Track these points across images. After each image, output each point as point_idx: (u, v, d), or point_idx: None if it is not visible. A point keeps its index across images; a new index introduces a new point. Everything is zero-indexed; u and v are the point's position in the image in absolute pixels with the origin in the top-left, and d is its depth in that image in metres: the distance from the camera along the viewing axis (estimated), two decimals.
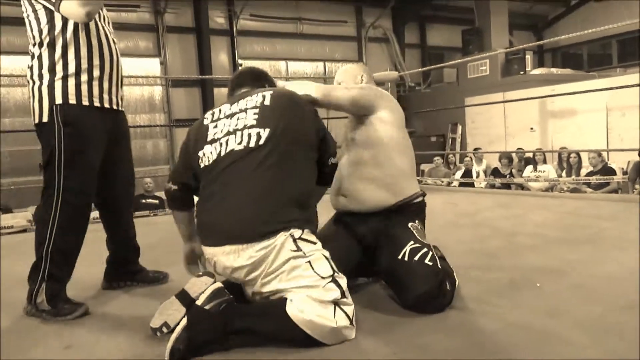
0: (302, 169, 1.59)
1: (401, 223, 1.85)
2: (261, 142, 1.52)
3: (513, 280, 1.96)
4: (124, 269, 2.20)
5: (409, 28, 12.48)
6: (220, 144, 1.58)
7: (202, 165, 1.61)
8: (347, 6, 11.50)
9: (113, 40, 2.01)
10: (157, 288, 2.14)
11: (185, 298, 1.54)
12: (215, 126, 1.63)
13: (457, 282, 1.83)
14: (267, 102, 1.61)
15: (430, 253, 1.72)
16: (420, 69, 10.29)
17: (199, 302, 1.46)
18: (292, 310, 1.39)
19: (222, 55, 10.00)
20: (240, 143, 1.54)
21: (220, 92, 10.05)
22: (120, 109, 2.08)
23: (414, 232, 1.81)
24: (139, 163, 8.86)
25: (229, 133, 1.58)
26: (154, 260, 2.36)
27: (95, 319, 1.81)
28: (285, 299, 1.42)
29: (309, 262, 1.44)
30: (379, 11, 11.66)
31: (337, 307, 1.41)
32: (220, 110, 1.69)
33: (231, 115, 1.63)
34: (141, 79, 9.18)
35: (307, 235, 1.50)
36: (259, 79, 1.83)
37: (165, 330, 1.51)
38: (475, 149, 8.81)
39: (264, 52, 10.38)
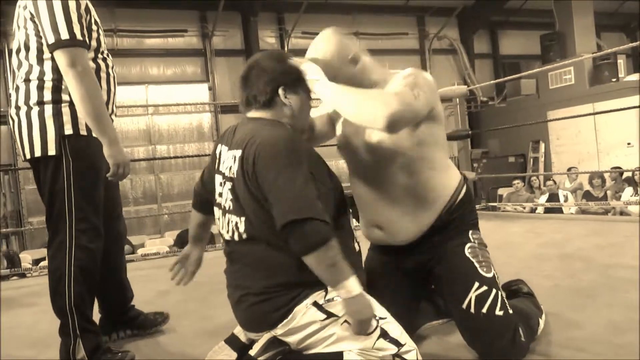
0: None
1: (456, 243, 1.66)
2: (244, 236, 1.49)
3: (612, 322, 1.85)
4: (122, 317, 2.16)
5: (479, 36, 12.34)
6: (221, 220, 1.56)
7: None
8: (407, 17, 11.57)
9: (112, 65, 2.00)
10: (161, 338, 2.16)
11: (235, 343, 1.57)
12: (221, 183, 1.55)
13: (540, 327, 1.75)
14: (234, 175, 1.48)
15: (500, 298, 1.60)
16: (493, 81, 10.10)
17: (252, 353, 1.48)
18: None
19: None
20: (228, 232, 1.53)
21: None
22: None
23: (474, 261, 1.64)
24: (187, 195, 9.21)
25: (223, 210, 1.54)
26: (202, 299, 2.41)
27: None
28: (342, 352, 1.41)
29: (346, 320, 1.41)
30: (443, 20, 11.64)
31: (395, 358, 1.37)
32: (221, 153, 1.58)
33: (223, 180, 1.53)
34: (189, 107, 9.56)
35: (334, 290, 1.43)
36: (253, 98, 1.54)
37: None
38: (569, 169, 8.48)
39: None
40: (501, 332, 1.57)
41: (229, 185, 1.50)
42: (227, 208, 1.51)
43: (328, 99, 1.55)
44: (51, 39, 1.72)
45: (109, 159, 1.78)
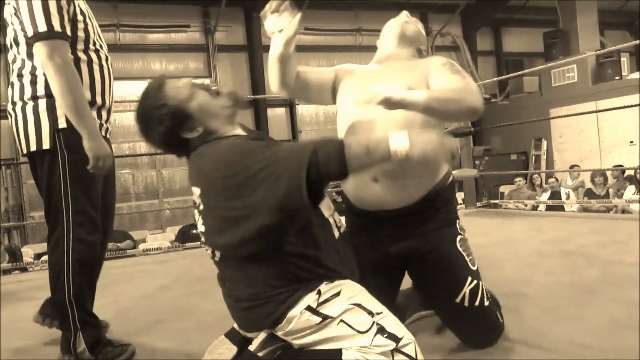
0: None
1: (449, 236, 1.70)
2: (221, 257, 1.49)
3: (614, 319, 1.85)
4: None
5: (482, 33, 12.32)
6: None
7: None
8: (411, 14, 11.50)
9: (107, 57, 1.95)
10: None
11: (235, 337, 1.56)
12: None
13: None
14: (201, 207, 1.50)
15: (484, 289, 1.69)
16: (495, 79, 10.07)
17: (251, 348, 1.48)
18: (349, 358, 1.37)
19: None
20: (209, 253, 1.53)
21: (274, 112, 10.29)
22: (108, 136, 1.98)
23: (465, 255, 1.69)
24: (188, 191, 9.18)
25: (200, 234, 1.55)
26: (203, 293, 2.40)
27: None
28: (340, 350, 1.40)
29: (342, 320, 1.38)
30: (446, 17, 11.61)
31: (394, 353, 1.36)
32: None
33: (195, 210, 1.55)
34: None
35: (327, 289, 1.41)
36: (173, 153, 1.61)
37: None
38: (572, 166, 8.47)
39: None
40: (490, 321, 1.70)
41: (199, 218, 1.53)
42: (202, 234, 1.53)
43: (422, 102, 1.49)
44: (30, 32, 1.72)
45: (89, 151, 1.76)
